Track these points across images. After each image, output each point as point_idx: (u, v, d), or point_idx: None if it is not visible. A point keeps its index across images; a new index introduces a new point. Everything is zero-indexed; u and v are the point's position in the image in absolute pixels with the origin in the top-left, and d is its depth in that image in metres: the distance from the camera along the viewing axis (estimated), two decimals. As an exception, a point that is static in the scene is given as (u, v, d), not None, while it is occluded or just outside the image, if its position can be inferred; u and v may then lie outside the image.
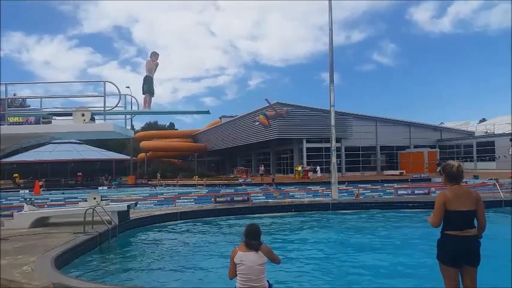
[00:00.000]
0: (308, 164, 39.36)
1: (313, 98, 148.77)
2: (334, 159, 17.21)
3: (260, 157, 51.39)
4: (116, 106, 9.55)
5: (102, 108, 9.43)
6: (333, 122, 17.27)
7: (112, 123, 9.65)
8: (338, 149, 39.25)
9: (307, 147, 40.81)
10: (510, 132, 41.86)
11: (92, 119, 9.46)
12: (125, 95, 10.32)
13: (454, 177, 3.92)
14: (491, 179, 17.90)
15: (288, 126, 38.99)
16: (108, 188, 38.37)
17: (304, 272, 7.45)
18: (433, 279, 4.81)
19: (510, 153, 37.64)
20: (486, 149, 41.90)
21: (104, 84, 9.55)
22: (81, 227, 9.53)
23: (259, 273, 4.52)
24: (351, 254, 8.69)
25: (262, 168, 42.21)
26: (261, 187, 30.43)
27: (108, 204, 10.99)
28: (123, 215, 11.10)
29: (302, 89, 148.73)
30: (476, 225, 3.84)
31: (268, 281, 4.67)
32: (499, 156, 39.23)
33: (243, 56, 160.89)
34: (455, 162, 3.98)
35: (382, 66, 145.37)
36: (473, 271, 3.81)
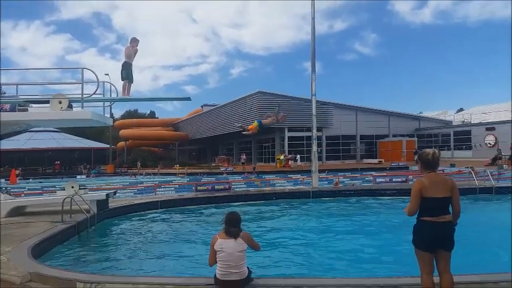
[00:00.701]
0: (289, 152, 39.59)
1: (295, 87, 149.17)
2: (315, 148, 17.34)
3: (242, 146, 51.38)
4: (94, 93, 9.37)
5: (80, 96, 9.24)
6: (314, 111, 17.35)
7: (90, 111, 9.46)
8: (319, 138, 39.55)
9: (289, 136, 40.98)
10: (486, 121, 42.95)
11: (70, 107, 9.26)
12: (103, 82, 10.13)
13: (429, 164, 4.00)
14: (467, 167, 18.38)
15: (270, 115, 38.97)
16: (87, 176, 37.81)
17: (285, 258, 7.54)
18: (409, 263, 4.93)
19: (485, 142, 38.71)
20: (463, 138, 42.89)
21: (82, 71, 9.35)
22: (59, 216, 9.39)
23: (239, 260, 4.55)
24: (331, 240, 8.83)
25: (244, 156, 42.26)
26: (242, 176, 30.49)
27: (87, 193, 10.85)
28: (101, 203, 10.97)
29: (284, 78, 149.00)
30: (451, 211, 3.94)
31: (248, 268, 4.72)
32: (475, 145, 40.22)
33: (225, 44, 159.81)
34: (430, 150, 4.06)
35: (363, 56, 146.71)
36: (447, 255, 3.92)
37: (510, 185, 16.14)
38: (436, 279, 3.93)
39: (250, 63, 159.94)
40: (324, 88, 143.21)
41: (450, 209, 3.95)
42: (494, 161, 29.61)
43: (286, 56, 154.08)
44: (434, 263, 3.95)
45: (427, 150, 4.09)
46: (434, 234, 3.83)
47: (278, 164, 38.26)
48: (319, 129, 37.77)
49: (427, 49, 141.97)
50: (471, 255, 6.66)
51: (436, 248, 3.88)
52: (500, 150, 32.49)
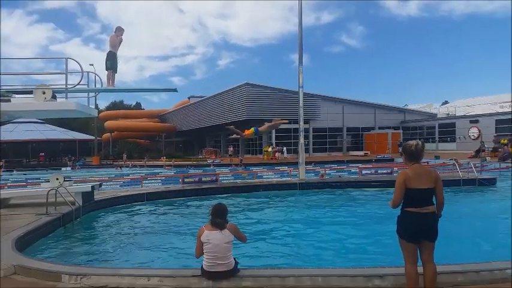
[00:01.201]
0: (277, 144, 39.67)
1: (283, 79, 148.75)
2: (302, 140, 17.39)
3: (229, 138, 51.25)
4: (78, 84, 9.23)
5: (64, 86, 9.10)
6: (301, 103, 17.38)
7: (74, 102, 9.35)
8: (306, 130, 39.73)
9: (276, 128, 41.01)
10: (470, 114, 43.60)
11: (54, 97, 9.11)
12: (88, 72, 9.98)
13: (413, 155, 4.04)
14: (451, 159, 18.64)
15: (257, 107, 38.99)
16: (72, 168, 37.32)
17: (272, 249, 7.60)
18: (394, 253, 5.01)
19: (469, 134, 39.34)
20: (447, 130, 43.49)
21: (66, 60, 9.20)
22: (44, 208, 9.27)
23: (226, 251, 4.57)
24: (317, 231, 8.91)
25: (231, 149, 42.22)
26: (229, 168, 30.47)
27: (72, 185, 10.73)
28: (87, 196, 10.87)
29: (271, 70, 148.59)
30: (434, 202, 4.00)
31: (234, 259, 4.74)
32: (459, 137, 40.83)
33: (212, 35, 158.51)
34: (414, 142, 4.10)
35: (350, 48, 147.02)
36: (431, 246, 3.98)
37: (493, 176, 16.47)
38: (420, 269, 3.99)
39: (238, 54, 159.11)
40: (311, 80, 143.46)
41: (434, 200, 4.02)
42: (478, 153, 30.12)
43: (273, 47, 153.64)
44: (418, 253, 4.01)
45: (411, 142, 4.13)
46: (418, 225, 3.88)
47: (265, 156, 38.33)
48: (306, 122, 37.87)
49: (413, 42, 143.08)
50: (454, 245, 6.79)
51: (419, 238, 3.94)
52: (483, 142, 33.07)
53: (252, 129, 9.50)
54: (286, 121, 10.63)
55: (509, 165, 22.59)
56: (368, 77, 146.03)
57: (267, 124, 9.58)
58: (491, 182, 15.50)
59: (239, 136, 9.68)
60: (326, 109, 43.99)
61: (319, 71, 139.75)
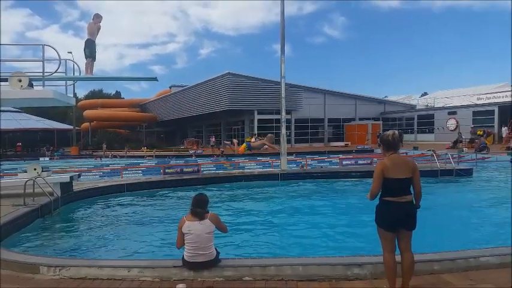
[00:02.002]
0: (259, 135, 39.65)
1: (265, 69, 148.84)
2: (284, 131, 17.45)
3: (211, 128, 51.04)
4: (56, 72, 9.02)
5: (41, 74, 8.88)
6: (283, 93, 17.39)
7: (52, 90, 9.14)
8: (288, 121, 39.79)
9: (258, 119, 41.02)
10: (449, 106, 44.41)
11: (30, 85, 8.89)
12: (66, 60, 9.76)
13: (390, 145, 4.10)
14: (430, 150, 19.00)
15: (239, 97, 38.86)
16: (50, 159, 36.62)
17: (253, 239, 7.65)
18: (372, 242, 5.12)
19: (447, 126, 40.13)
20: (426, 121, 44.24)
21: (43, 47, 8.97)
22: (21, 199, 9.10)
23: (207, 242, 4.58)
24: (299, 221, 9.00)
25: (213, 139, 42.04)
26: (211, 158, 30.38)
27: (50, 176, 10.53)
28: (65, 186, 10.71)
29: (254, 60, 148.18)
30: (412, 192, 4.07)
31: (216, 249, 4.75)
32: (438, 128, 41.59)
33: (194, 23, 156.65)
34: (390, 131, 4.16)
35: (332, 39, 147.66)
36: (409, 235, 4.06)
37: (469, 167, 16.89)
38: (398, 258, 4.07)
39: (219, 43, 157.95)
40: (293, 71, 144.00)
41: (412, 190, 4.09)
42: (455, 144, 30.77)
43: (255, 37, 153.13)
44: (396, 242, 4.09)
45: (387, 132, 4.18)
46: (396, 214, 3.95)
47: (247, 147, 38.31)
48: (288, 112, 37.90)
49: (394, 34, 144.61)
50: (431, 234, 6.95)
51: (398, 227, 4.00)
52: (461, 133, 33.78)
53: (245, 144, 9.54)
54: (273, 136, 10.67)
55: (485, 156, 23.22)
56: (349, 68, 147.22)
57: (260, 141, 9.59)
58: (468, 173, 15.89)
59: (233, 148, 9.68)
60: (308, 100, 44.13)
61: (301, 61, 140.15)
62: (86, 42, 10.06)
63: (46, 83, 9.29)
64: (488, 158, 22.86)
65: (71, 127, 49.40)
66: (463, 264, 4.69)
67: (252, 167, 21.04)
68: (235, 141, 40.88)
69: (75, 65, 10.39)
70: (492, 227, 8.17)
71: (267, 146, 8.79)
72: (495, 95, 40.61)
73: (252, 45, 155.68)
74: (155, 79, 11.10)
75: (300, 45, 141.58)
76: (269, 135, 10.61)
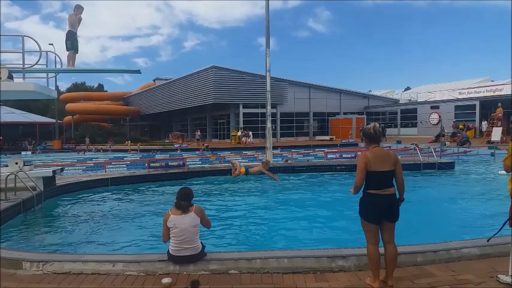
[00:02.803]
0: (244, 129, 39.63)
1: (250, 62, 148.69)
2: (269, 125, 17.46)
3: (196, 122, 50.76)
4: (37, 64, 8.82)
5: (21, 66, 8.68)
6: (268, 87, 17.38)
7: (32, 82, 8.93)
8: (273, 115, 39.81)
9: (243, 113, 40.95)
10: (431, 100, 45.02)
11: (10, 77, 8.69)
12: (47, 52, 9.56)
13: (372, 138, 4.14)
14: (413, 144, 19.26)
15: (225, 91, 38.71)
16: (32, 153, 35.96)
17: (239, 232, 7.67)
18: (356, 233, 5.19)
19: (430, 120, 40.70)
20: (409, 115, 44.79)
21: (23, 39, 8.77)
22: (3, 194, 8.90)
23: (193, 235, 4.57)
24: (284, 214, 9.05)
25: (199, 133, 41.85)
26: (197, 152, 30.24)
27: (32, 170, 10.34)
28: (48, 181, 10.54)
29: (239, 53, 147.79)
30: (395, 184, 4.12)
31: (201, 243, 4.74)
32: (420, 122, 42.14)
33: (178, 15, 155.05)
34: (371, 124, 4.20)
35: (316, 33, 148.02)
36: (392, 226, 4.12)
37: (451, 160, 17.19)
38: (381, 250, 4.13)
39: (204, 36, 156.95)
40: (278, 65, 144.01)
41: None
42: (438, 138, 31.21)
43: (240, 30, 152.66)
44: (380, 234, 4.14)
45: (369, 125, 4.22)
46: (379, 207, 4.00)
47: (233, 141, 38.29)
48: (273, 106, 37.98)
49: (378, 28, 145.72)
50: (414, 226, 7.06)
51: (381, 219, 4.06)
52: (443, 127, 34.29)
53: (243, 168, 9.58)
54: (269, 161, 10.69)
55: (467, 149, 23.67)
56: (333, 62, 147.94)
57: (257, 167, 9.56)
58: (450, 166, 16.17)
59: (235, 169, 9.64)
60: (293, 94, 44.25)
61: (286, 55, 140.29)
62: (67, 33, 9.87)
63: (26, 75, 9.10)
64: (470, 151, 23.30)
65: (53, 120, 48.51)
66: (445, 255, 4.79)
67: (238, 161, 20.98)
68: (198, 133, 40.64)
69: (57, 57, 10.20)
70: (473, 218, 8.35)
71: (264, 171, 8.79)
72: (476, 89, 41.36)
73: (237, 38, 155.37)
74: (138, 72, 10.98)
75: (285, 39, 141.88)
76: (264, 160, 10.60)
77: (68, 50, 9.94)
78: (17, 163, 9.86)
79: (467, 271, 4.40)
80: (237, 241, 7.08)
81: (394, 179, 4.08)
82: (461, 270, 4.44)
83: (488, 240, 4.49)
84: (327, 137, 42.81)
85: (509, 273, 4.03)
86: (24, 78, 8.99)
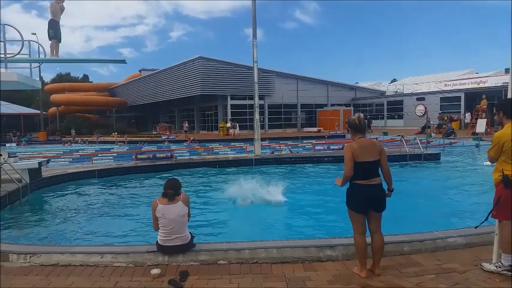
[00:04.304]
0: (232, 120, 39.54)
1: (238, 54, 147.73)
2: (257, 116, 17.44)
3: (184, 113, 50.42)
4: (19, 53, 8.64)
5: (3, 55, 8.49)
6: (256, 78, 17.33)
7: (16, 73, 8.75)
8: (261, 106, 39.80)
9: (231, 104, 40.81)
10: (417, 92, 45.42)
11: (-9, 68, 8.50)
12: (29, 41, 9.36)
13: (357, 128, 4.18)
14: (399, 135, 19.45)
15: (212, 82, 38.49)
16: (17, 144, 35.40)
17: (228, 224, 7.68)
18: (343, 224, 5.25)
19: (416, 111, 41.12)
20: (395, 107, 45.15)
21: (3, 27, 8.56)
22: (-14, 186, 8.77)
23: (182, 225, 4.56)
24: (271, 206, 9.07)
25: (186, 124, 41.62)
26: (185, 144, 30.09)
27: (17, 162, 10.19)
28: (34, 172, 10.39)
29: (226, 44, 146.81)
30: (381, 174, 4.17)
31: (190, 233, 4.74)
32: (407, 113, 42.55)
33: (164, 5, 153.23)
34: (356, 115, 4.25)
35: (303, 24, 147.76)
36: (378, 216, 4.18)
37: (437, 152, 17.43)
38: (368, 240, 4.18)
39: (191, 26, 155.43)
40: (266, 56, 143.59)
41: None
42: (424, 129, 31.60)
43: (227, 20, 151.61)
44: (367, 224, 4.20)
45: (353, 116, 4.27)
46: (366, 197, 4.05)
47: (221, 132, 38.22)
48: (261, 98, 37.89)
49: (365, 20, 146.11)
50: (400, 217, 7.16)
51: (368, 209, 4.11)
52: (429, 119, 34.69)
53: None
54: None
55: (453, 141, 24.01)
56: (321, 54, 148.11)
57: None
58: (435, 157, 16.40)
59: None
60: (281, 85, 44.17)
61: (273, 46, 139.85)
62: (49, 23, 9.67)
63: (9, 65, 8.89)
64: (455, 142, 23.63)
65: (38, 112, 47.73)
66: (431, 245, 4.88)
67: (226, 152, 21.00)
68: (185, 125, 40.41)
69: (40, 47, 10.01)
70: (459, 208, 8.50)
71: None
72: (461, 81, 41.84)
73: (224, 29, 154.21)
74: (123, 61, 10.86)
75: (272, 30, 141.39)
76: None
77: (50, 40, 9.75)
78: (1, 155, 9.69)
79: (452, 260, 4.49)
80: (225, 232, 7.09)
81: (380, 169, 4.13)
82: (446, 259, 4.53)
83: (476, 228, 4.57)
84: (315, 129, 42.95)
85: (493, 262, 4.13)
86: (6, 68, 8.80)
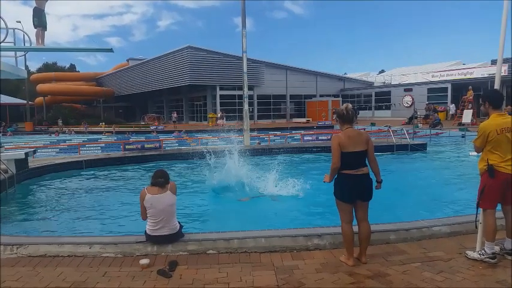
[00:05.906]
0: (221, 111, 39.40)
1: (227, 44, 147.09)
2: (246, 107, 17.42)
3: (172, 104, 50.06)
4: (3, 41, 8.47)
5: (-13, 44, 8.33)
6: (245, 68, 17.27)
7: (0, 62, 8.59)
8: (251, 97, 39.71)
9: (220, 94, 40.63)
10: (405, 83, 45.72)
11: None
12: (14, 29, 9.18)
13: (345, 118, 4.22)
14: (386, 126, 19.61)
15: (201, 72, 38.22)
16: (3, 135, 34.83)
17: (216, 213, 7.70)
18: (330, 213, 5.30)
19: (403, 102, 41.44)
20: (383, 98, 45.43)
21: (-13, 15, 8.37)
22: (-29, 177, 8.65)
23: (171, 215, 4.57)
24: (259, 196, 9.11)
25: (175, 115, 41.36)
26: (173, 134, 29.95)
27: (3, 152, 10.06)
28: (20, 163, 10.28)
29: (215, 34, 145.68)
30: (368, 164, 4.22)
31: (179, 222, 4.75)
32: (394, 104, 42.86)
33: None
34: (343, 105, 4.28)
35: (293, 14, 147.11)
36: (365, 205, 4.24)
37: (424, 142, 17.63)
38: (355, 228, 4.24)
39: (180, 15, 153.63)
40: (255, 47, 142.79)
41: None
42: (411, 120, 31.85)
43: (217, 10, 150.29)
44: (354, 213, 4.25)
45: (341, 106, 4.30)
46: (354, 186, 4.10)
47: (210, 123, 38.10)
48: (250, 88, 37.77)
49: (354, 11, 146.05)
50: (387, 206, 7.25)
51: (355, 198, 4.17)
52: (416, 110, 35.01)
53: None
54: None
55: (439, 131, 24.30)
56: (310, 44, 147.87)
57: None
58: (422, 147, 16.59)
59: None
60: (270, 76, 44.09)
61: (263, 37, 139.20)
62: (33, 10, 9.47)
63: (-6, 54, 8.73)
64: (441, 133, 23.91)
65: (24, 102, 46.95)
66: (417, 233, 4.97)
67: (215, 143, 20.93)
68: (174, 115, 40.09)
69: (25, 36, 9.82)
70: (444, 198, 8.63)
71: None
72: (448, 72, 42.22)
73: (213, 18, 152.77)
74: (110, 50, 10.70)
75: (262, 20, 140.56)
76: None
77: (35, 28, 9.57)
78: (-14, 145, 9.57)
79: (437, 248, 4.59)
80: (214, 222, 7.11)
81: (367, 159, 4.18)
82: (432, 247, 4.62)
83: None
84: (304, 119, 43.05)
85: (477, 250, 4.23)
86: (-9, 57, 8.65)
